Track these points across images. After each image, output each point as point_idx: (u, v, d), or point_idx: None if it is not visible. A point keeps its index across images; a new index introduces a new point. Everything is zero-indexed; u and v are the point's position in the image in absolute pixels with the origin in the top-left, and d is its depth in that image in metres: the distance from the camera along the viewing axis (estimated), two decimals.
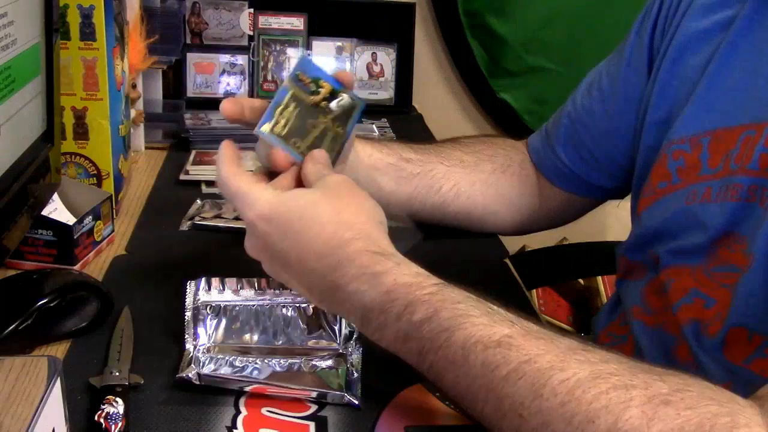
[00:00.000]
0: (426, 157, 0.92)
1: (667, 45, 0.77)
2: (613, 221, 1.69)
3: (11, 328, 0.67)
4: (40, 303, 0.70)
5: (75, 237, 0.82)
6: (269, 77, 1.52)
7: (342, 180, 0.65)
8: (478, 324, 0.55)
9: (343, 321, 0.70)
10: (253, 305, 0.70)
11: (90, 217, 0.85)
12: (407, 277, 0.59)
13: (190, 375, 0.64)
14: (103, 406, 0.60)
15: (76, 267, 0.83)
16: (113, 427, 0.58)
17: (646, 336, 0.76)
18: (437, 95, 1.76)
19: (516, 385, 0.51)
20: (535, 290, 1.61)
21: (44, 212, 0.80)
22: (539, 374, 0.50)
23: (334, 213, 0.62)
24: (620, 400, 0.47)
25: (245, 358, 0.67)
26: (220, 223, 0.97)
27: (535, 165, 0.94)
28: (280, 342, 0.70)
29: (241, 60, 1.49)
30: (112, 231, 0.91)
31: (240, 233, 0.74)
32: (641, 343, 0.76)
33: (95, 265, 0.86)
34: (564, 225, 0.99)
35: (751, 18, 0.70)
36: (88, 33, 0.89)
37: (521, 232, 0.99)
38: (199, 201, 1.03)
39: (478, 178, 0.93)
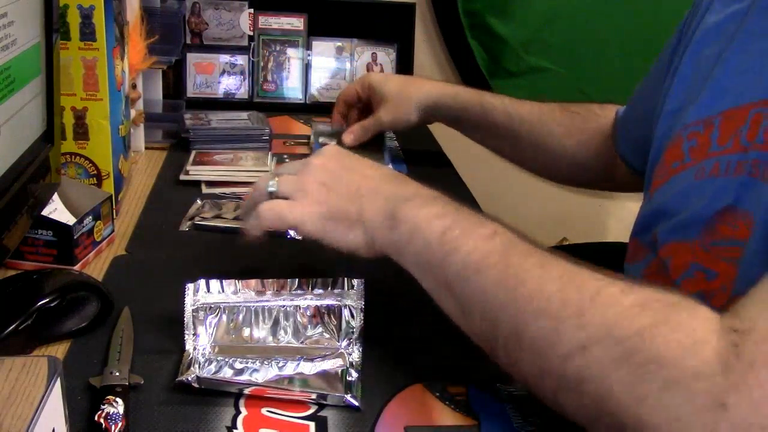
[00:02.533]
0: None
1: (688, 40, 0.82)
2: (614, 221, 1.69)
3: (11, 328, 0.67)
4: (40, 303, 0.70)
5: (75, 237, 0.82)
6: (269, 77, 1.52)
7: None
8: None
9: (343, 320, 0.70)
10: (253, 305, 0.71)
11: (90, 217, 0.85)
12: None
13: (189, 378, 0.64)
14: (103, 406, 0.60)
15: (76, 267, 0.83)
16: (113, 427, 0.58)
17: None
18: None
19: (528, 260, 0.61)
20: None
21: (44, 212, 0.80)
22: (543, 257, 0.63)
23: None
24: (603, 284, 0.56)
25: (245, 360, 0.67)
26: (220, 223, 0.97)
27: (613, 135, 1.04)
28: (280, 342, 0.70)
29: (241, 60, 1.49)
30: (112, 231, 0.91)
31: (240, 233, 0.75)
32: None
33: (95, 265, 0.86)
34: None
35: (766, 5, 0.72)
36: (88, 33, 0.89)
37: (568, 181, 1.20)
38: (199, 201, 1.03)
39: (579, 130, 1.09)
